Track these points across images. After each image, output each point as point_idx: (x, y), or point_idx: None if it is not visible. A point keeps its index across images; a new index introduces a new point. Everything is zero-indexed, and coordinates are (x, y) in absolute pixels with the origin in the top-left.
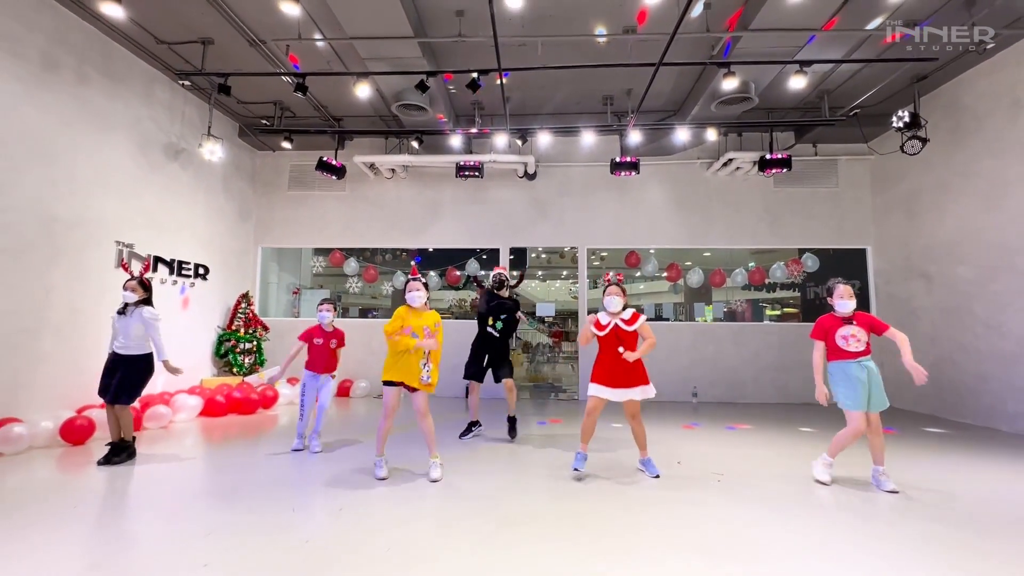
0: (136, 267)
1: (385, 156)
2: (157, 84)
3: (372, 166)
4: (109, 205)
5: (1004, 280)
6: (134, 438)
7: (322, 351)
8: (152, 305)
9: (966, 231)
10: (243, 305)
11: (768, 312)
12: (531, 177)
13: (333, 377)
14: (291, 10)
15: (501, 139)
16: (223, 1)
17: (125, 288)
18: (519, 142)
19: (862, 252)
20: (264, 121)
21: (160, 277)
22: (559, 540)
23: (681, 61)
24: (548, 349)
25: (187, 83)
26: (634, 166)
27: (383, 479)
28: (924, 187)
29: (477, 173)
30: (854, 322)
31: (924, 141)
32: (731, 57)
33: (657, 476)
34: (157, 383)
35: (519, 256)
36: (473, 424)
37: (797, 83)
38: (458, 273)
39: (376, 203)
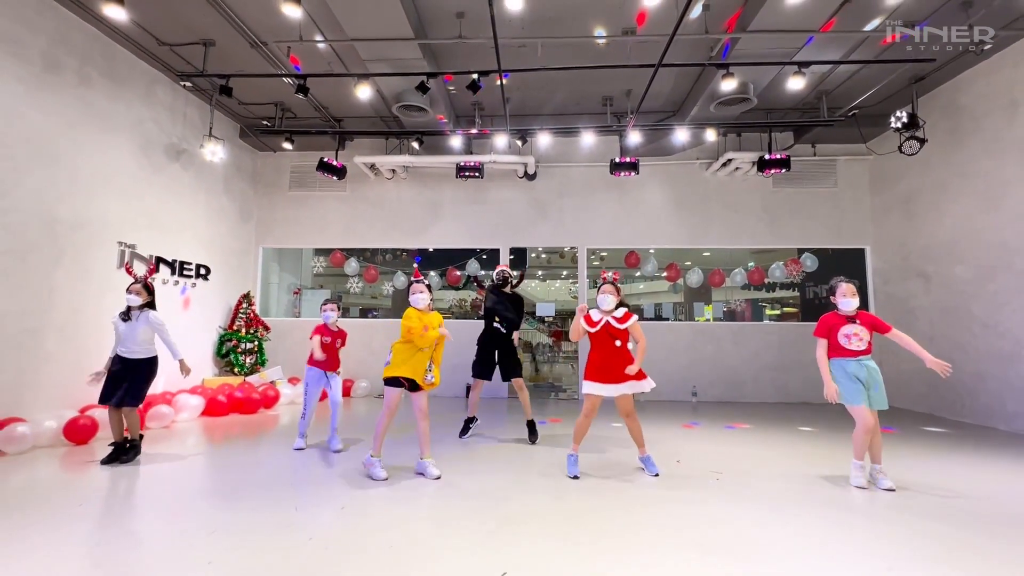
0: (139, 269)
1: (385, 157)
2: (159, 85)
3: (373, 167)
4: (111, 206)
5: (1002, 280)
6: (141, 436)
7: (328, 349)
8: (155, 308)
9: (964, 231)
10: (244, 305)
11: (768, 312)
12: (531, 177)
13: (338, 375)
14: (292, 12)
15: (501, 140)
16: (224, 3)
17: (129, 292)
18: (519, 143)
19: (861, 252)
20: (265, 122)
21: (162, 277)
22: (559, 539)
23: (680, 62)
24: (548, 349)
25: (188, 84)
26: (633, 166)
27: (384, 479)
28: (922, 187)
29: (477, 174)
30: (857, 321)
31: (922, 141)
32: (730, 58)
33: (656, 475)
34: (159, 383)
35: (519, 256)
36: (470, 421)
37: (796, 84)
38: (458, 273)
39: (376, 203)
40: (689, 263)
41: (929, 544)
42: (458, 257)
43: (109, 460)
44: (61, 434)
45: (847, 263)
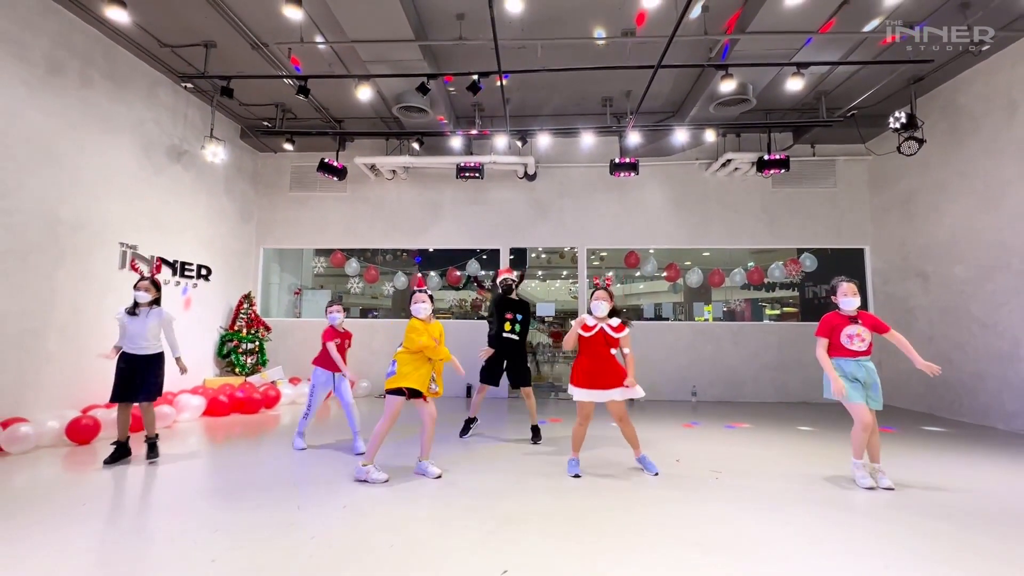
0: (145, 268)
1: (386, 157)
2: (160, 87)
3: (373, 167)
4: (113, 207)
5: (1000, 279)
6: (157, 436)
7: (339, 351)
8: (161, 305)
9: (963, 231)
10: (245, 306)
11: (767, 312)
12: (531, 178)
13: (346, 376)
14: (293, 13)
15: (501, 140)
16: (226, 4)
17: (137, 288)
18: (519, 143)
19: (860, 252)
20: (266, 123)
21: (163, 278)
22: (559, 539)
23: (679, 63)
24: (548, 349)
25: (190, 86)
26: (633, 167)
27: (385, 481)
28: (921, 187)
29: (477, 174)
30: (859, 321)
31: (921, 142)
32: (729, 59)
33: (656, 474)
34: None
35: (519, 256)
36: (471, 421)
37: (795, 85)
38: (458, 273)
39: (377, 204)
40: (689, 263)
41: (928, 543)
42: (458, 257)
43: (111, 460)
44: (63, 434)
45: (846, 263)
